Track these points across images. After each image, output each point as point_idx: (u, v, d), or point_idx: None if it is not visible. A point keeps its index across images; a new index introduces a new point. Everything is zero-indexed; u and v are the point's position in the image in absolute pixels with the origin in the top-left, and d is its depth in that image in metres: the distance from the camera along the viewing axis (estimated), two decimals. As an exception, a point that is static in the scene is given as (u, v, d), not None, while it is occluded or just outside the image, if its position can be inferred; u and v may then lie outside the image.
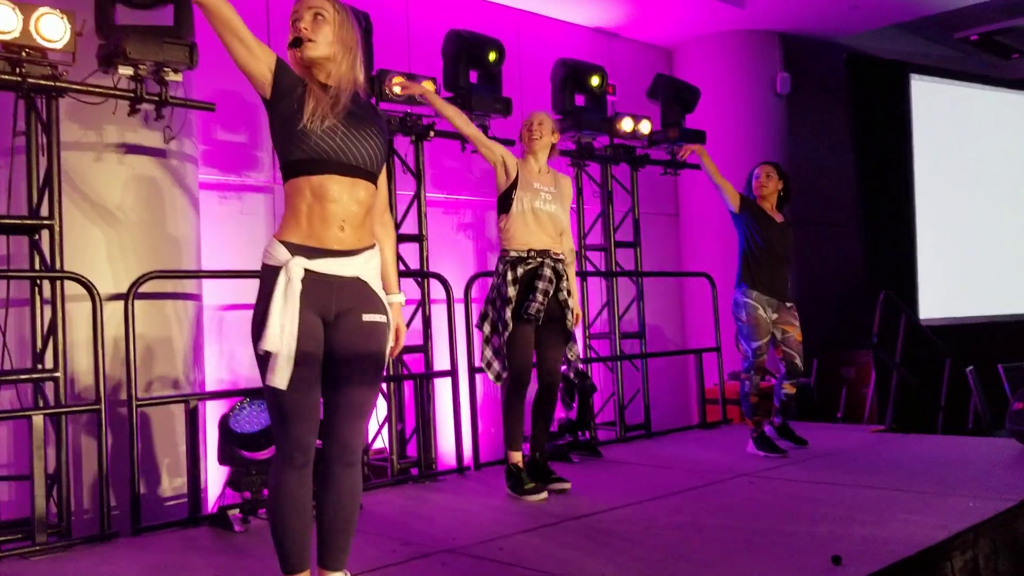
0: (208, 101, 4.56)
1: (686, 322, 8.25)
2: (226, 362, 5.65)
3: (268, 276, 2.38)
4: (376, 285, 2.49)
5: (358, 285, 2.44)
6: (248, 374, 5.70)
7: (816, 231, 8.04)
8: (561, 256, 4.20)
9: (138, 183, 4.55)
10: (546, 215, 4.15)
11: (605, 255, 6.40)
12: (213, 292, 5.43)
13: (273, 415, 2.42)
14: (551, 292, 4.09)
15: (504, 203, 4.16)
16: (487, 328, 4.15)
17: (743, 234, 5.15)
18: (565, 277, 4.19)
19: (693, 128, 6.36)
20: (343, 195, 2.38)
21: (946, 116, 8.48)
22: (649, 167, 6.51)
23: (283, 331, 2.30)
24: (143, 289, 4.08)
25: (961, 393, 7.12)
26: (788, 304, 5.12)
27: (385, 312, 2.50)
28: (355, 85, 2.48)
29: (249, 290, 5.60)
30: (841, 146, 8.28)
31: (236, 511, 3.91)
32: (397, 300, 2.64)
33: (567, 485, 4.21)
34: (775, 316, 5.06)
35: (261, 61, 2.37)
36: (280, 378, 2.31)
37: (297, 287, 2.32)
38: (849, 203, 8.22)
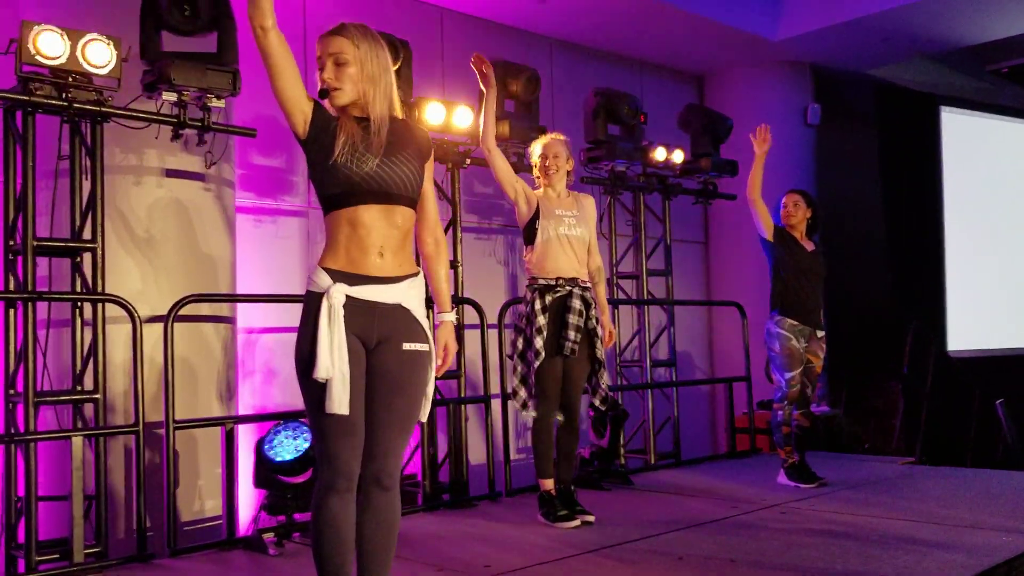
0: (248, 127, 4.63)
1: (714, 351, 8.22)
2: (258, 385, 5.70)
3: (311, 302, 2.41)
4: (419, 313, 2.50)
5: (400, 312, 2.46)
6: (280, 398, 5.74)
7: (845, 261, 8.01)
8: (588, 284, 4.21)
9: (177, 207, 4.62)
10: (573, 239, 4.17)
11: (637, 283, 6.41)
12: (246, 315, 5.49)
13: (317, 440, 2.43)
14: (581, 324, 4.10)
15: (529, 233, 4.18)
16: (515, 357, 4.16)
17: (774, 262, 5.14)
18: (594, 305, 4.20)
19: (726, 158, 6.38)
20: (379, 222, 2.41)
21: (976, 148, 8.45)
22: (680, 195, 6.52)
23: (334, 357, 2.32)
24: (180, 312, 4.13)
25: (989, 426, 7.05)
26: (819, 334, 5.09)
27: (427, 340, 2.51)
28: (391, 112, 2.51)
29: (283, 314, 5.75)
30: (871, 177, 8.27)
31: (271, 534, 3.93)
32: (448, 319, 2.65)
33: (591, 517, 4.17)
34: (805, 345, 5.04)
35: (299, 107, 2.41)
36: (339, 403, 2.33)
37: (340, 312, 2.35)
38: (878, 234, 8.20)
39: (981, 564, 3.29)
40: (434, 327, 2.59)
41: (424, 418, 2.57)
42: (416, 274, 2.52)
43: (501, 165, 4.15)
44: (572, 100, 6.39)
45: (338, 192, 2.39)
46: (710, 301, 7.82)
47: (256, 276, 5.64)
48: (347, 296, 2.37)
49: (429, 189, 2.61)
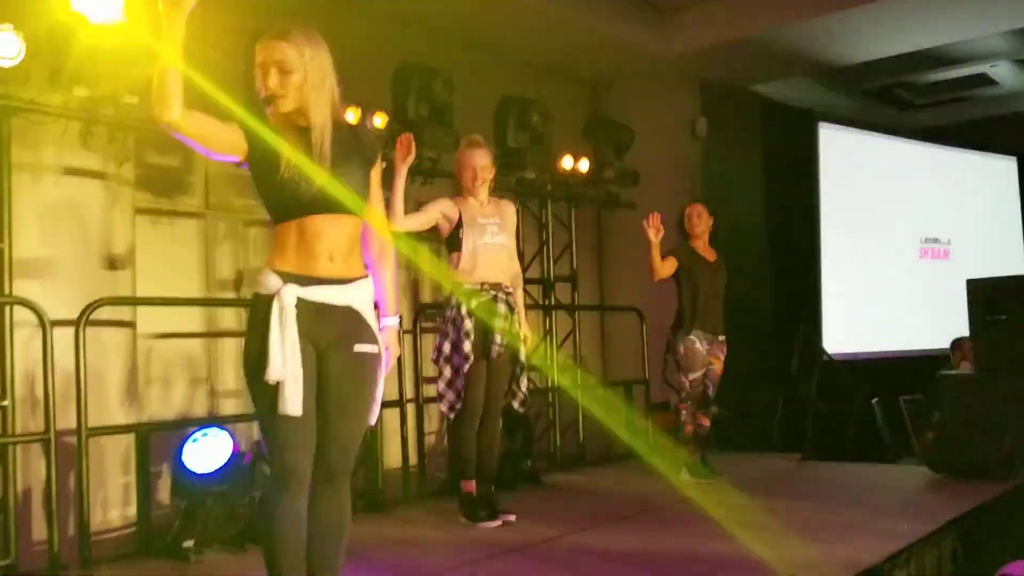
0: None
1: (606, 355, 8.43)
2: (162, 391, 5.51)
3: (260, 305, 2.40)
4: (368, 315, 2.51)
5: (350, 314, 2.46)
6: (181, 405, 5.57)
7: (730, 267, 8.39)
8: (510, 289, 4.29)
9: (76, 207, 4.43)
10: (496, 247, 4.24)
11: (542, 288, 6.54)
12: (144, 321, 5.31)
13: (268, 441, 2.42)
14: (508, 329, 4.19)
15: (453, 242, 4.23)
16: (441, 361, 4.19)
17: (681, 285, 5.36)
18: (514, 308, 4.29)
19: (629, 170, 6.60)
20: (328, 230, 2.41)
21: (849, 163, 9.02)
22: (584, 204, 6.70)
23: (286, 358, 2.32)
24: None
25: (865, 424, 7.53)
26: (720, 338, 5.36)
27: (377, 342, 2.52)
28: (334, 115, 2.50)
29: (182, 320, 5.58)
30: (754, 188, 8.70)
31: (191, 542, 3.83)
32: (392, 323, 2.66)
33: (512, 517, 4.25)
34: (707, 348, 5.30)
35: (233, 149, 2.38)
36: (293, 405, 2.32)
37: (292, 313, 2.34)
38: (761, 243, 8.63)
39: (887, 549, 3.54)
40: (378, 331, 2.59)
41: (373, 421, 2.58)
42: (365, 277, 2.54)
43: (417, 224, 4.16)
44: (476, 103, 6.44)
45: (286, 205, 2.40)
46: (612, 306, 8.03)
47: (153, 280, 5.46)
48: (298, 298, 2.37)
49: (376, 195, 2.62)
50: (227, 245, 6.05)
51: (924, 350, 8.76)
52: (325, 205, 2.40)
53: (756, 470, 5.68)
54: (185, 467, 3.91)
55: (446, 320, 4.20)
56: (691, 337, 5.24)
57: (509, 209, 4.41)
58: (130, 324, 4.77)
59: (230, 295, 5.96)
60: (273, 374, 2.31)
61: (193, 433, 4.02)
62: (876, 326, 9.05)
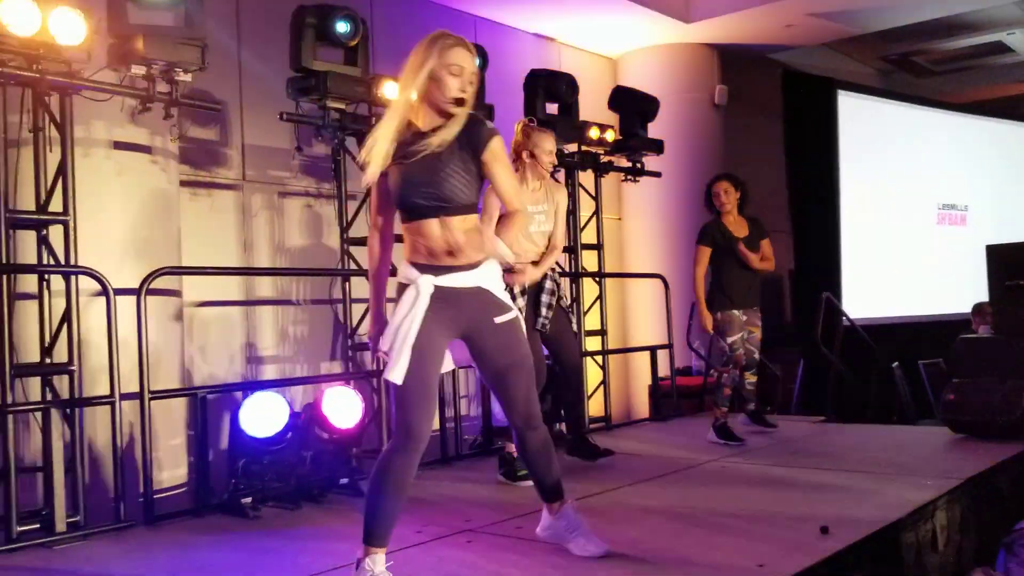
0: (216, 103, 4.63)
1: (628, 321, 8.61)
2: (204, 357, 5.71)
3: (400, 292, 2.74)
4: (496, 291, 2.81)
5: (482, 294, 2.77)
6: (220, 370, 5.77)
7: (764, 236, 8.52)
8: (554, 267, 4.51)
9: (126, 179, 4.60)
10: (539, 235, 4.37)
11: (570, 256, 6.69)
12: (189, 290, 5.49)
13: (395, 405, 2.70)
14: (554, 304, 4.44)
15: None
16: None
17: (714, 265, 5.52)
18: (561, 286, 4.56)
19: (652, 138, 6.72)
20: (441, 232, 2.69)
21: (868, 130, 9.10)
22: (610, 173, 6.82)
23: (399, 333, 2.64)
24: (132, 285, 4.11)
25: (885, 387, 7.70)
26: (755, 308, 5.55)
27: (511, 309, 2.84)
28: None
29: (221, 288, 5.74)
30: (774, 157, 8.80)
31: (249, 499, 4.03)
32: (519, 266, 3.11)
33: (613, 454, 4.77)
34: (744, 317, 5.49)
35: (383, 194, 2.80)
36: (395, 374, 2.63)
37: (425, 301, 2.66)
38: (782, 211, 8.74)
39: (912, 503, 3.71)
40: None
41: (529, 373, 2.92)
42: (488, 259, 2.81)
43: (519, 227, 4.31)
44: (500, 78, 6.56)
45: (404, 210, 2.73)
46: (636, 273, 8.19)
47: (194, 250, 5.63)
48: (435, 286, 2.68)
49: (497, 170, 2.78)
50: (263, 216, 6.23)
51: (943, 315, 8.90)
52: (431, 208, 2.68)
53: (779, 433, 5.83)
54: (242, 428, 4.09)
55: None
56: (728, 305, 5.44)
57: (560, 196, 4.44)
58: (177, 293, 4.95)
59: (266, 264, 6.15)
60: (382, 344, 2.68)
61: (248, 395, 4.20)
62: (896, 292, 9.19)
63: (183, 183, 5.63)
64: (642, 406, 7.98)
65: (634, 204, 8.70)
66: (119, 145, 4.61)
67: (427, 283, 2.66)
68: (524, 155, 4.33)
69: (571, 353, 4.62)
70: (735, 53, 8.78)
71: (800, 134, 8.58)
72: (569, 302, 4.59)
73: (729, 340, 5.43)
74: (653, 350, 6.78)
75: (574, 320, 4.66)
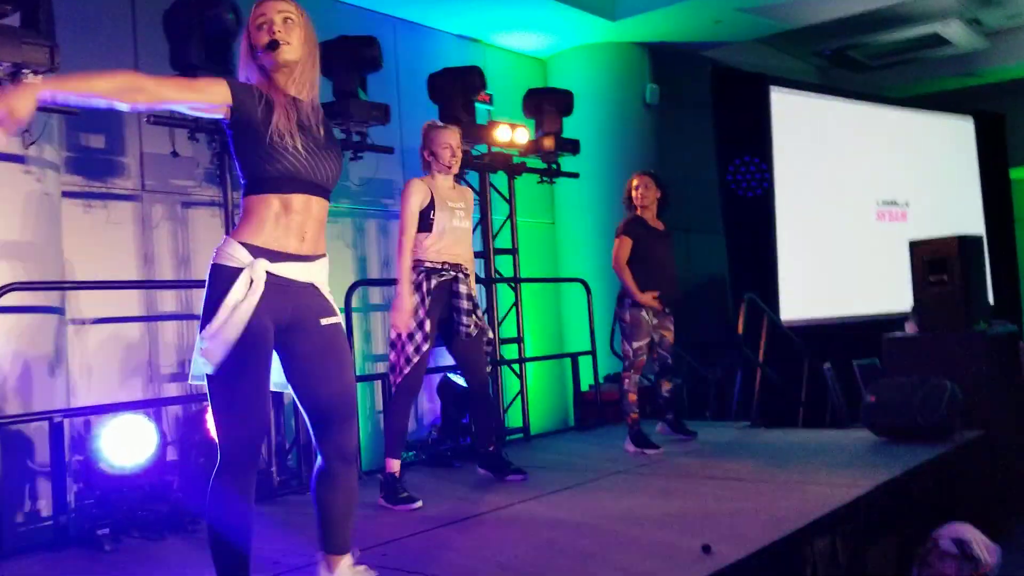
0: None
1: (564, 327, 8.42)
2: (90, 378, 5.44)
3: (224, 277, 2.36)
4: (326, 291, 2.54)
5: (312, 291, 2.48)
6: (113, 391, 5.50)
7: (684, 238, 8.36)
8: (468, 270, 4.30)
9: (-5, 191, 4.34)
10: (461, 232, 4.26)
11: (484, 262, 6.48)
12: (77, 305, 5.23)
13: (221, 422, 2.38)
14: (471, 308, 4.22)
15: (423, 222, 4.18)
16: (393, 334, 4.17)
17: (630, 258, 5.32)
18: (472, 289, 4.32)
19: (568, 137, 6.52)
20: (306, 210, 2.44)
21: (803, 126, 8.96)
22: (527, 175, 6.62)
23: (227, 322, 2.30)
24: (5, 302, 3.90)
25: (819, 389, 7.53)
26: (667, 310, 5.34)
27: (337, 313, 2.55)
28: (315, 93, 2.53)
29: (117, 303, 5.49)
30: (708, 155, 8.65)
31: (106, 530, 3.77)
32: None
33: (521, 476, 4.48)
34: (656, 321, 5.28)
35: (217, 99, 2.38)
36: (210, 362, 2.31)
37: (260, 288, 2.34)
38: (715, 210, 8.59)
39: (809, 515, 3.52)
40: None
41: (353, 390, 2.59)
42: (325, 255, 2.55)
43: (408, 237, 4.14)
44: (417, 79, 6.36)
45: (273, 176, 2.39)
46: (555, 278, 8.00)
47: (87, 264, 5.38)
48: (267, 272, 2.36)
49: None
50: (164, 227, 5.97)
51: (884, 313, 8.75)
52: (309, 184, 2.42)
53: (701, 438, 5.65)
54: (99, 456, 3.84)
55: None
56: (635, 306, 5.22)
57: (469, 195, 4.43)
58: (54, 309, 4.68)
59: (169, 277, 5.90)
60: (204, 333, 2.30)
61: (110, 421, 3.95)
62: (835, 290, 9.04)
63: (72, 194, 5.38)
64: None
65: (565, 207, 8.50)
66: (-14, 155, 4.34)
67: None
68: (426, 154, 4.27)
69: (478, 364, 4.37)
70: (666, 51, 8.62)
71: (733, 132, 8.42)
72: (474, 308, 4.32)
73: (634, 345, 5.23)
74: (575, 357, 6.57)
75: (488, 330, 4.41)
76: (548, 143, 6.33)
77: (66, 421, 4.14)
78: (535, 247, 8.12)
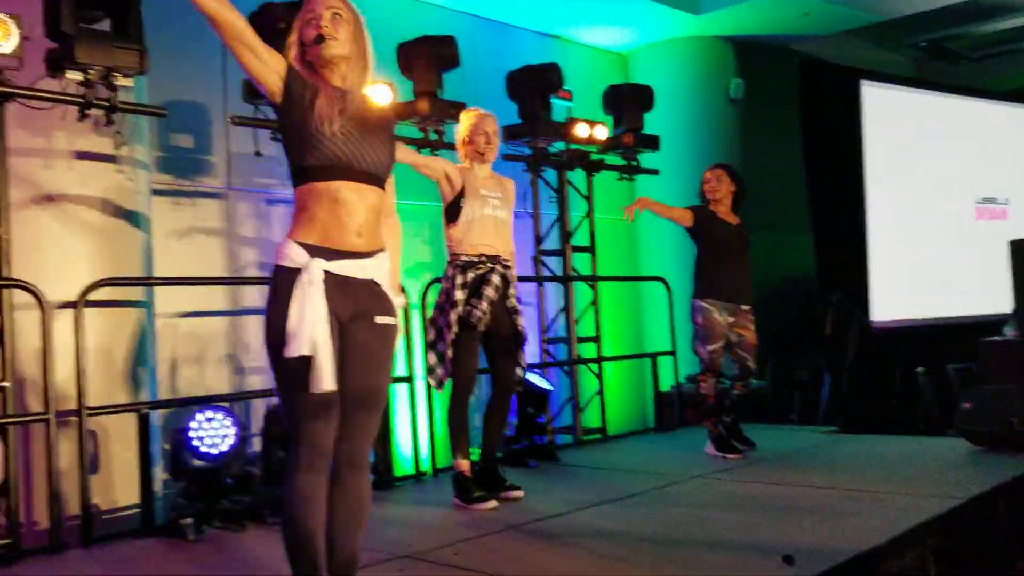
0: (160, 107, 4.51)
1: (644, 326, 8.31)
2: (177, 370, 5.59)
3: (285, 278, 2.34)
4: (387, 287, 2.50)
5: (371, 287, 2.45)
6: (201, 383, 5.65)
7: (769, 235, 8.15)
8: (509, 262, 4.18)
9: (89, 189, 4.48)
10: (496, 221, 4.14)
11: (561, 260, 6.43)
12: (165, 300, 5.38)
13: (292, 419, 2.37)
14: (497, 299, 4.08)
15: (453, 212, 4.11)
16: (432, 333, 4.11)
17: (699, 245, 5.21)
18: (512, 283, 4.18)
19: (648, 133, 6.42)
20: (357, 201, 2.39)
21: (897, 121, 8.63)
22: (606, 171, 6.55)
23: (316, 333, 2.28)
24: (94, 297, 4.03)
25: (911, 394, 7.26)
26: (744, 307, 5.17)
27: (395, 314, 2.51)
28: (364, 86, 2.51)
29: (202, 298, 5.64)
30: (794, 151, 8.42)
31: (189, 520, 3.86)
32: (399, 302, 2.63)
33: (520, 493, 4.17)
34: (731, 320, 5.12)
35: (271, 68, 2.38)
36: (327, 380, 2.28)
37: (320, 288, 2.31)
38: (802, 207, 8.35)
39: (896, 528, 3.38)
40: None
41: (387, 396, 2.56)
42: (383, 249, 2.51)
43: (417, 160, 4.08)
44: (496, 77, 6.35)
45: (318, 164, 2.36)
46: (634, 277, 7.89)
47: (175, 260, 5.53)
48: (324, 271, 2.34)
49: (391, 175, 2.59)
50: (249, 224, 6.11)
51: (982, 316, 8.39)
52: (356, 172, 2.39)
53: (785, 444, 5.50)
54: (185, 447, 3.94)
55: (441, 292, 4.14)
56: (707, 306, 5.07)
57: (510, 185, 4.31)
58: (142, 304, 4.82)
59: (253, 274, 6.02)
60: (303, 349, 2.26)
61: (195, 413, 4.05)
62: (929, 291, 8.70)
63: (161, 192, 5.54)
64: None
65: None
66: (81, 155, 4.49)
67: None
68: (464, 141, 4.21)
69: (506, 366, 4.19)
70: (751, 45, 8.42)
71: (821, 127, 8.17)
72: (516, 304, 4.20)
73: (708, 348, 5.08)
74: (654, 357, 6.47)
75: (520, 323, 4.21)
76: (627, 140, 6.24)
77: (153, 412, 4.27)
78: (614, 244, 8.02)
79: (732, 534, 3.46)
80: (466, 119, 4.23)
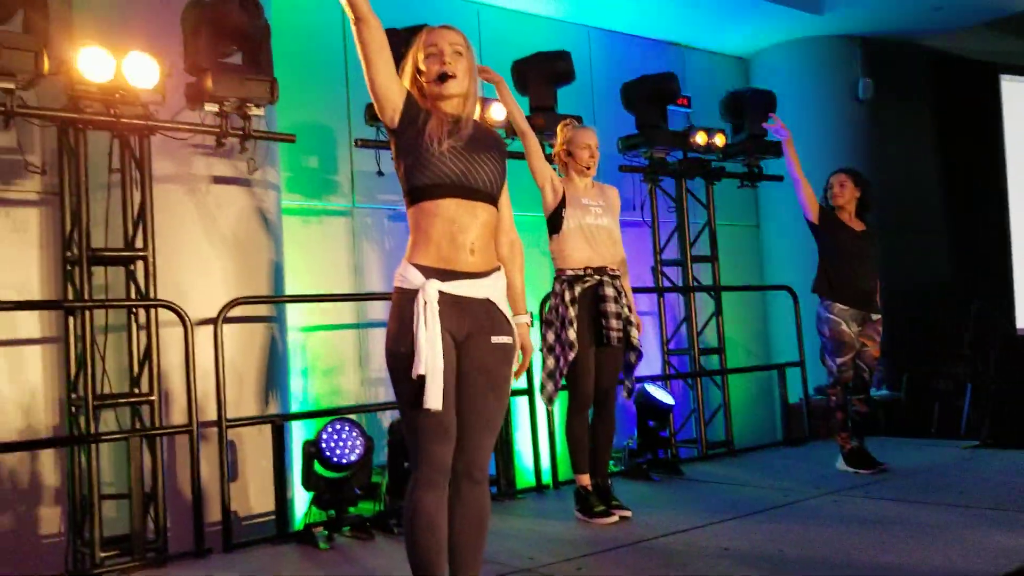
0: (288, 133, 4.73)
1: (770, 336, 8.11)
2: (307, 381, 5.82)
3: (404, 299, 2.43)
4: (503, 306, 2.55)
5: (487, 306, 2.49)
6: (330, 395, 5.86)
7: (903, 239, 7.83)
8: (617, 272, 4.14)
9: (225, 212, 4.74)
10: (599, 230, 4.10)
11: (682, 270, 6.36)
12: (296, 314, 5.61)
13: (412, 435, 2.45)
14: (622, 312, 4.05)
15: (555, 223, 4.10)
16: (545, 350, 4.10)
17: (821, 245, 5.06)
18: (623, 292, 4.14)
19: (771, 140, 6.28)
20: (469, 219, 2.45)
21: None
22: (726, 179, 6.45)
23: (430, 354, 2.35)
24: (231, 313, 4.25)
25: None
26: (874, 317, 4.98)
27: (512, 333, 2.55)
28: (474, 114, 2.58)
29: (331, 312, 5.85)
30: (926, 150, 8.06)
31: (321, 528, 4.02)
32: (524, 320, 2.68)
33: (628, 513, 4.11)
34: (858, 330, 4.94)
35: (397, 89, 2.47)
36: (435, 399, 2.35)
37: (435, 309, 2.37)
38: (937, 209, 7.98)
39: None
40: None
41: (504, 413, 2.59)
42: (499, 268, 2.56)
43: (538, 148, 4.06)
44: (612, 88, 6.35)
45: (429, 184, 2.43)
46: (758, 286, 7.71)
47: (305, 275, 5.77)
48: (440, 292, 2.40)
49: (505, 191, 2.64)
50: (373, 239, 6.31)
51: None
52: (466, 189, 2.44)
53: (922, 459, 5.26)
54: (315, 457, 4.09)
55: (550, 308, 4.12)
56: (835, 317, 4.90)
57: (613, 193, 4.28)
58: (274, 319, 5.04)
59: (377, 288, 6.21)
60: (420, 369, 2.34)
61: (325, 425, 4.20)
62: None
63: (291, 211, 5.79)
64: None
65: (770, 210, 8.19)
66: (218, 180, 4.76)
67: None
68: (563, 154, 4.19)
69: (606, 381, 4.11)
70: (879, 42, 8.11)
71: (957, 126, 7.78)
72: (628, 313, 4.13)
73: (838, 361, 4.90)
74: (782, 368, 6.31)
75: (635, 333, 4.13)
76: (748, 146, 6.12)
77: (287, 424, 4.46)
78: (737, 253, 7.88)
79: (862, 554, 3.34)
80: (564, 132, 4.22)
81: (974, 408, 7.22)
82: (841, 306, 4.91)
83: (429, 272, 2.42)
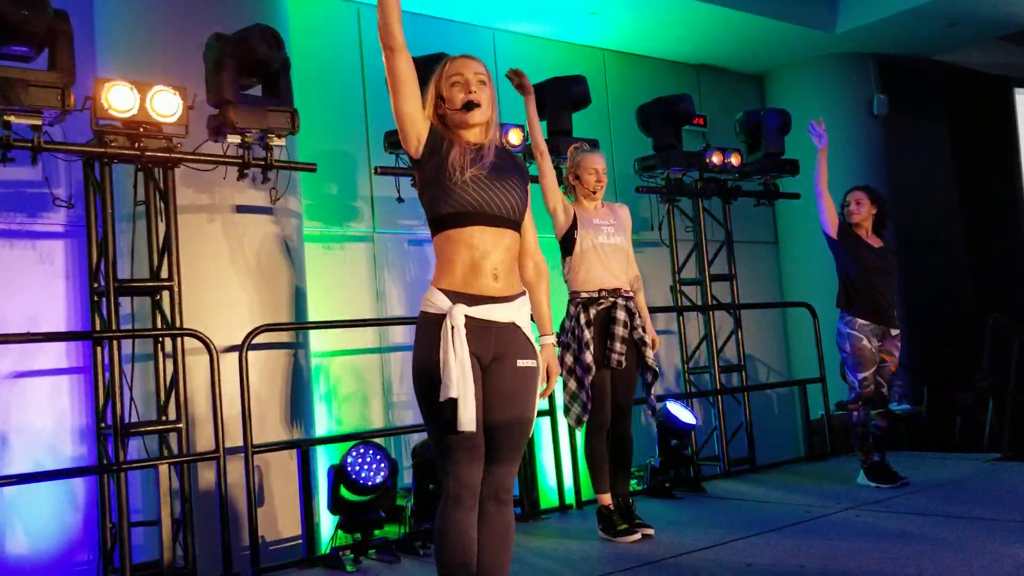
0: (309, 162, 4.81)
1: (791, 352, 8.11)
2: (331, 407, 5.89)
3: (430, 324, 2.48)
4: (528, 330, 2.59)
5: (512, 330, 2.53)
6: (353, 419, 5.92)
7: (922, 253, 7.83)
8: (630, 293, 4.18)
9: (248, 240, 4.83)
10: (612, 249, 4.14)
11: (700, 288, 6.39)
12: (319, 340, 5.68)
13: (441, 457, 2.49)
14: (627, 336, 4.08)
15: (567, 244, 4.14)
16: (565, 373, 4.12)
17: (839, 261, 5.09)
18: (637, 313, 4.17)
19: (787, 158, 6.32)
20: (492, 245, 2.50)
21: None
22: (743, 198, 6.48)
23: (460, 377, 2.40)
24: (256, 340, 4.32)
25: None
26: (893, 332, 5.00)
27: (536, 357, 2.60)
28: (495, 142, 2.64)
29: (353, 337, 5.92)
30: (943, 165, 8.06)
31: (347, 551, 4.07)
32: (550, 341, 2.73)
33: (651, 531, 4.13)
34: (878, 344, 4.96)
35: (421, 119, 2.54)
36: (469, 421, 2.40)
37: (462, 332, 2.42)
38: (954, 223, 7.97)
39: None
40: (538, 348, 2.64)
41: (529, 435, 2.63)
42: (524, 293, 2.61)
43: (551, 170, 4.11)
44: (628, 109, 6.42)
45: (452, 212, 2.49)
46: (777, 303, 7.73)
47: (326, 301, 5.84)
48: (466, 316, 2.45)
49: (529, 215, 2.69)
50: (394, 264, 6.39)
51: None
52: (489, 216, 2.50)
53: (945, 472, 5.25)
54: (341, 481, 4.14)
55: (566, 331, 4.15)
56: (855, 332, 4.93)
57: (623, 212, 4.32)
58: (298, 345, 5.11)
59: (398, 313, 6.29)
60: (451, 392, 2.39)
61: (350, 449, 4.25)
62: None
63: (313, 238, 5.88)
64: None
65: (788, 226, 8.22)
66: (241, 209, 4.85)
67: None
68: (571, 178, 4.24)
69: (620, 403, 4.15)
70: (893, 59, 8.15)
71: (973, 139, 7.79)
72: (641, 334, 4.17)
73: (860, 376, 4.92)
74: (803, 384, 6.31)
75: (649, 354, 4.19)
76: (764, 165, 6.16)
77: (312, 448, 4.52)
78: (756, 269, 7.90)
79: (884, 569, 3.35)
80: (572, 156, 4.27)
81: (996, 421, 7.18)
82: (862, 321, 4.94)
83: (455, 296, 2.47)
